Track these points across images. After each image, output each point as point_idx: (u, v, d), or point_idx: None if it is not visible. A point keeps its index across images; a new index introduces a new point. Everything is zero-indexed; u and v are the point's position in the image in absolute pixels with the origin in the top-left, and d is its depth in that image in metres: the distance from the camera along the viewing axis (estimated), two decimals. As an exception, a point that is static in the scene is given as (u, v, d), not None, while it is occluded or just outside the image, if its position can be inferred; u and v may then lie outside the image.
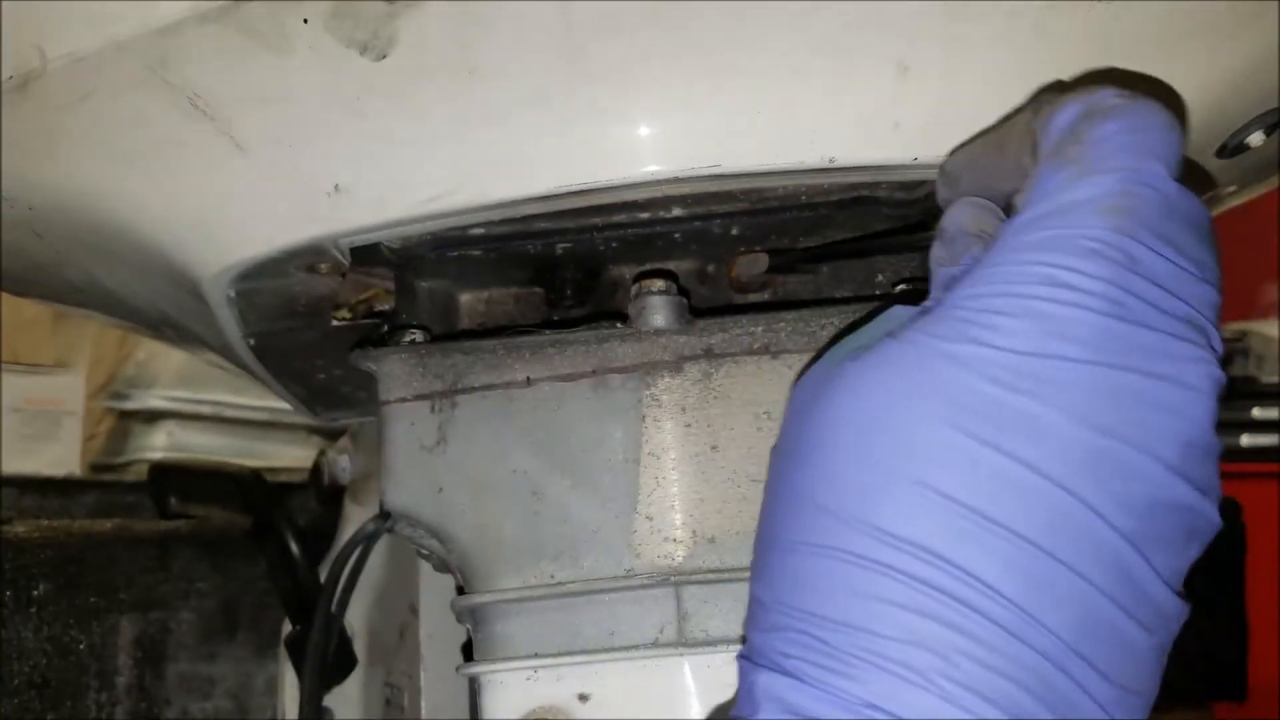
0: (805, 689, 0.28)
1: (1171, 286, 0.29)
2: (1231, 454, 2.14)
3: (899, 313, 0.32)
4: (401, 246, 0.40)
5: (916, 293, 0.42)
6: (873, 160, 0.36)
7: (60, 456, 1.28)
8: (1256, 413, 2.17)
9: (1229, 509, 1.38)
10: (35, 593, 0.52)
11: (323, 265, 0.40)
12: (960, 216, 0.34)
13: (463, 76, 0.34)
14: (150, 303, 0.48)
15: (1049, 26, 0.34)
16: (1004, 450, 0.27)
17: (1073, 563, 0.27)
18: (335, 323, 0.46)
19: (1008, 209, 0.33)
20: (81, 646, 0.54)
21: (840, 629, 0.27)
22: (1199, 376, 0.28)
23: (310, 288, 0.42)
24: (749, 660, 0.30)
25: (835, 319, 0.40)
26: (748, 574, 0.38)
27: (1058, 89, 0.34)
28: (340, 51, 0.33)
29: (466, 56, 0.34)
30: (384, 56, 0.33)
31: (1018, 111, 0.34)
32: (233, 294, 0.42)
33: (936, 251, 0.34)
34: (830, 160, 0.35)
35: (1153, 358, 0.28)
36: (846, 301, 0.42)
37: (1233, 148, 0.42)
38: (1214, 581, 1.35)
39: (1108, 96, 0.30)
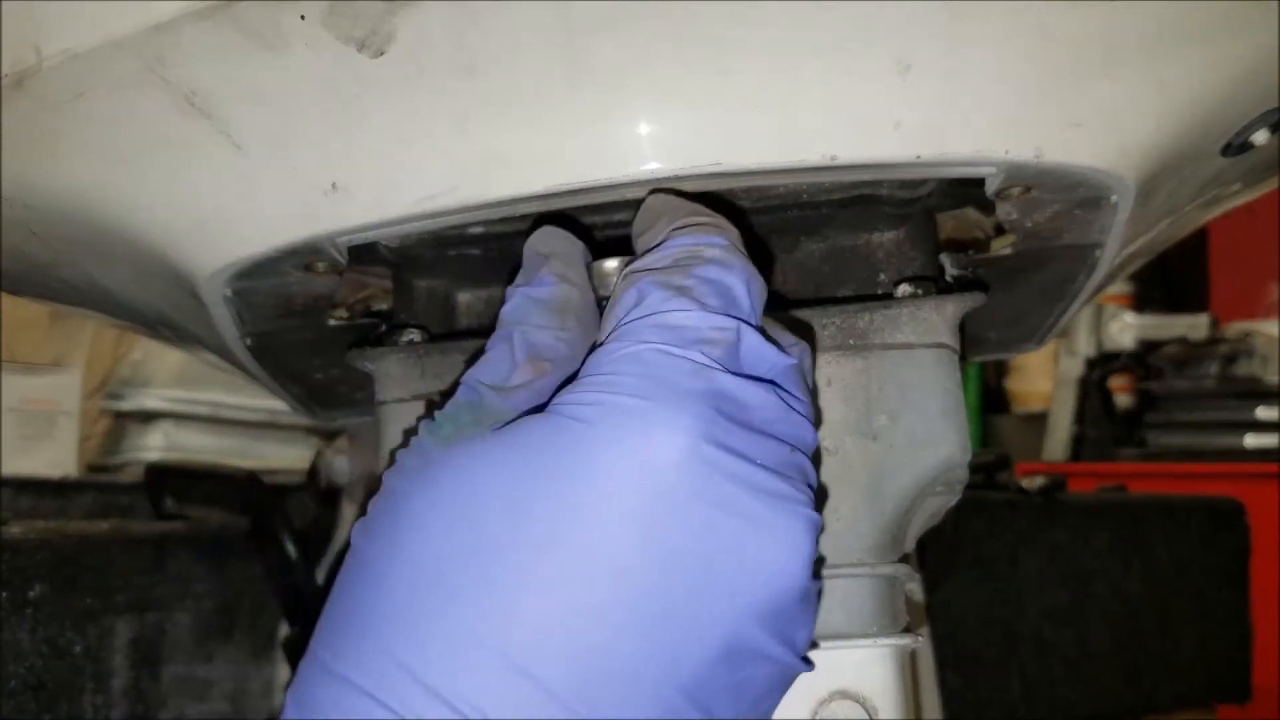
0: None
1: (767, 422, 0.29)
2: (1234, 454, 2.14)
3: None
4: (399, 245, 0.40)
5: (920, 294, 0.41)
6: (874, 158, 0.36)
7: (56, 457, 1.28)
8: (1259, 413, 2.17)
9: (1232, 510, 1.38)
10: (31, 594, 0.51)
11: (320, 264, 0.40)
12: (536, 244, 0.35)
13: (461, 74, 0.34)
14: (147, 302, 0.48)
15: (1051, 25, 0.34)
16: (555, 587, 0.26)
17: (602, 709, 0.26)
18: (332, 322, 0.46)
19: None
20: (77, 648, 0.54)
21: None
22: (793, 521, 0.28)
23: (307, 287, 0.42)
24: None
25: (836, 319, 0.39)
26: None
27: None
28: (338, 48, 0.33)
29: (465, 54, 0.33)
30: (382, 53, 0.33)
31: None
32: (229, 293, 0.41)
33: (516, 279, 0.34)
34: (831, 158, 0.35)
35: (744, 494, 0.27)
36: (847, 301, 0.42)
37: (1237, 146, 0.41)
38: (1217, 582, 1.35)
39: (715, 241, 0.31)
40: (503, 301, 0.35)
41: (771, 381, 0.30)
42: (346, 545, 0.41)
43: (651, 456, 0.27)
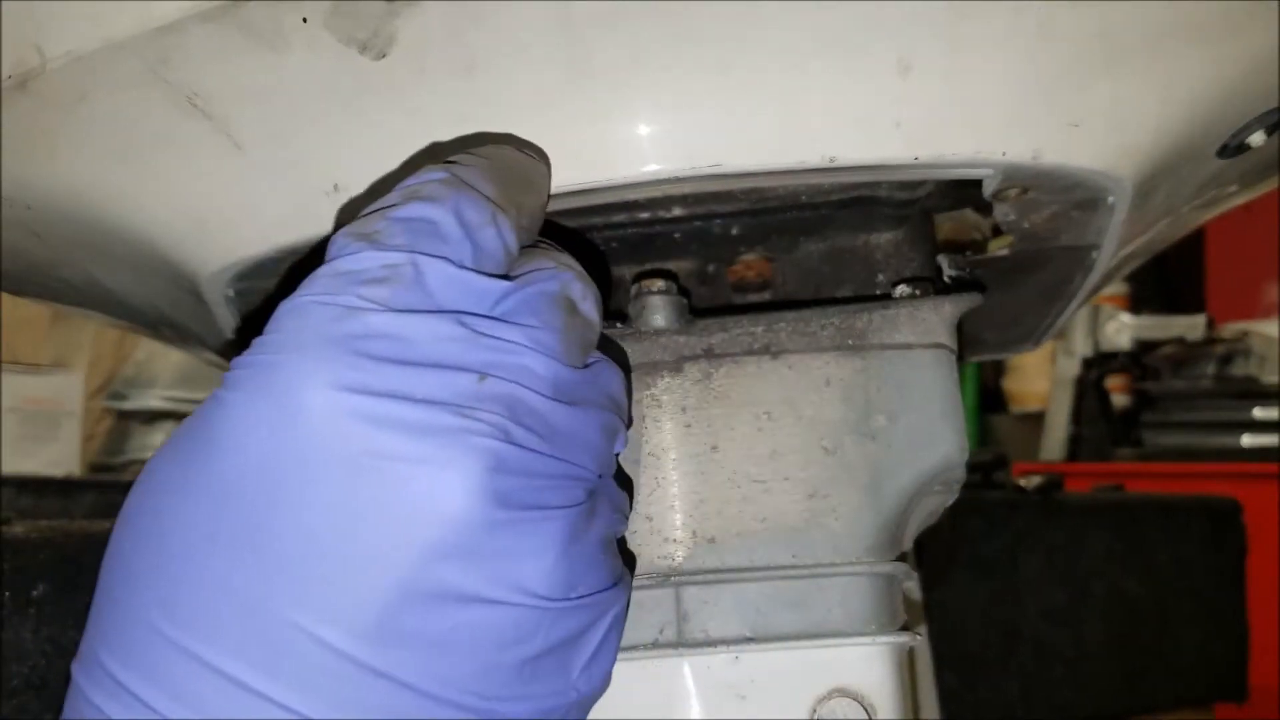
0: None
1: (438, 356, 0.27)
2: (1231, 454, 2.15)
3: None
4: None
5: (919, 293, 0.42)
6: (874, 159, 0.36)
7: (59, 456, 1.28)
8: (1257, 413, 2.17)
9: (1230, 509, 1.39)
10: (34, 593, 0.51)
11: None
12: None
13: (462, 75, 0.34)
14: (148, 302, 0.48)
15: (1052, 25, 0.34)
16: (237, 603, 0.26)
17: (273, 678, 0.26)
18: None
19: None
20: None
21: None
22: (453, 461, 0.26)
23: (309, 287, 0.42)
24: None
25: (835, 319, 0.40)
26: (748, 574, 0.38)
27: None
28: (339, 50, 0.33)
29: (466, 55, 0.33)
30: (383, 55, 0.33)
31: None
32: (231, 293, 0.42)
33: None
34: (831, 160, 0.35)
35: (396, 454, 0.26)
36: (847, 301, 0.42)
37: (1234, 148, 0.42)
38: (1214, 582, 1.35)
39: (424, 179, 0.30)
40: None
41: (480, 315, 0.28)
42: None
43: (287, 414, 0.26)
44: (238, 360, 0.28)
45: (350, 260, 0.28)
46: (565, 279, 0.31)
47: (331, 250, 0.29)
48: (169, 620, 0.27)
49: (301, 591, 0.26)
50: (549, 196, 0.34)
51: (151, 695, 0.27)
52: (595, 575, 0.30)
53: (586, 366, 0.31)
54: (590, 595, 0.30)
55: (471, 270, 0.28)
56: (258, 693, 0.26)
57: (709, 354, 0.39)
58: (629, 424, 0.34)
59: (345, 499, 0.26)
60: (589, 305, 0.31)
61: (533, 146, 0.34)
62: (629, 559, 0.37)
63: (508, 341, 0.28)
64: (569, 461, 0.29)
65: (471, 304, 0.28)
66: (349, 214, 0.37)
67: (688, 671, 0.38)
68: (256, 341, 0.28)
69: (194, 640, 0.26)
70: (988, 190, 0.38)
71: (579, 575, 0.29)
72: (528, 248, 0.32)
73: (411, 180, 0.30)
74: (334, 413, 0.26)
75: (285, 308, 0.28)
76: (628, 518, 0.34)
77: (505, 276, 0.30)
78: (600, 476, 0.31)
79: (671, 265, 0.44)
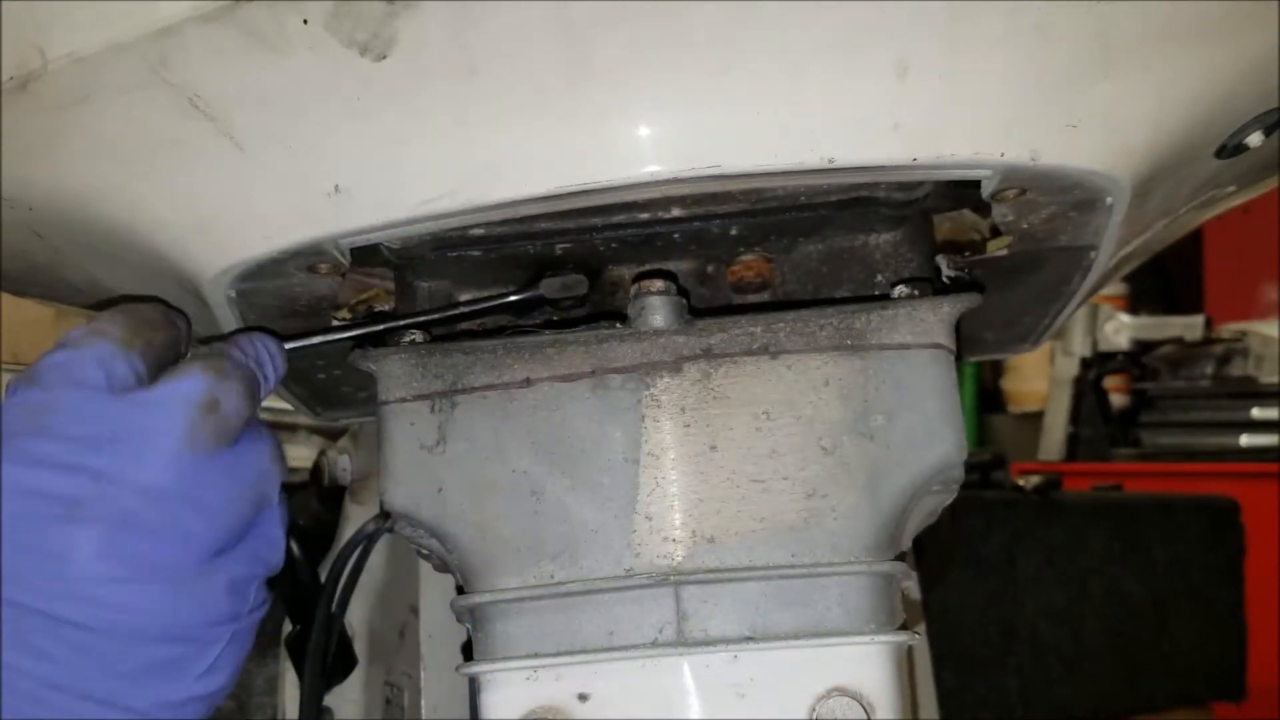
0: None
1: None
2: (1230, 454, 2.15)
3: None
4: (401, 247, 0.40)
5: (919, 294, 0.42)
6: (872, 161, 0.36)
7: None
8: (1255, 413, 2.18)
9: (1228, 509, 1.39)
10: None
11: (322, 265, 0.40)
12: None
13: (463, 77, 0.34)
14: (150, 303, 0.48)
15: (1049, 27, 0.34)
16: None
17: None
18: (335, 323, 0.46)
19: None
20: (81, 646, 0.54)
21: None
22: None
23: (310, 288, 0.42)
24: None
25: (834, 319, 0.40)
26: (747, 574, 0.38)
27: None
28: (340, 52, 0.33)
29: (466, 57, 0.34)
30: (384, 57, 0.33)
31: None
32: (233, 294, 0.42)
33: None
34: (830, 161, 0.35)
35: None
36: (846, 301, 0.42)
37: (1231, 148, 0.42)
38: (1213, 581, 1.35)
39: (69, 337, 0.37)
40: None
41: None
42: (349, 544, 0.42)
43: None
44: None
45: (21, 396, 0.37)
46: (192, 386, 0.37)
47: (10, 388, 0.38)
48: None
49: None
50: (187, 329, 0.41)
51: None
52: (208, 607, 0.37)
53: (232, 446, 0.38)
54: (204, 623, 0.37)
55: (101, 392, 0.36)
56: None
57: (708, 354, 0.39)
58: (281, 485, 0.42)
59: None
60: (230, 400, 0.38)
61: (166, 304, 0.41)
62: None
63: (124, 444, 0.35)
64: (179, 528, 0.36)
65: (100, 423, 0.36)
66: (351, 215, 0.37)
67: (687, 670, 0.38)
68: None
69: None
70: (986, 191, 0.38)
71: (188, 608, 0.37)
72: (193, 358, 0.39)
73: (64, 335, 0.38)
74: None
75: None
76: (273, 566, 0.41)
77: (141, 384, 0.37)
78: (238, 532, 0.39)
79: (671, 266, 0.44)
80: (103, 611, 0.35)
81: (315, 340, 0.43)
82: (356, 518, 0.72)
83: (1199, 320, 2.42)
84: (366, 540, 0.42)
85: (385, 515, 0.41)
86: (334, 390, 0.55)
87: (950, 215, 0.45)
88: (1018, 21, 0.34)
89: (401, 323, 0.43)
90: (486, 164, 0.36)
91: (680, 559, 0.38)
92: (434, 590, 0.64)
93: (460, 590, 0.41)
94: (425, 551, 0.43)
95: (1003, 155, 0.36)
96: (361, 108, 0.35)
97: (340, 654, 0.66)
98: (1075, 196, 0.39)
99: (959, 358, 0.41)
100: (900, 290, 0.42)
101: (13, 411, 0.36)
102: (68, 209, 0.40)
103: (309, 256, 0.39)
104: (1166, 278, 2.70)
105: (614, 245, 0.42)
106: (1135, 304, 2.56)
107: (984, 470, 1.22)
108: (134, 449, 0.36)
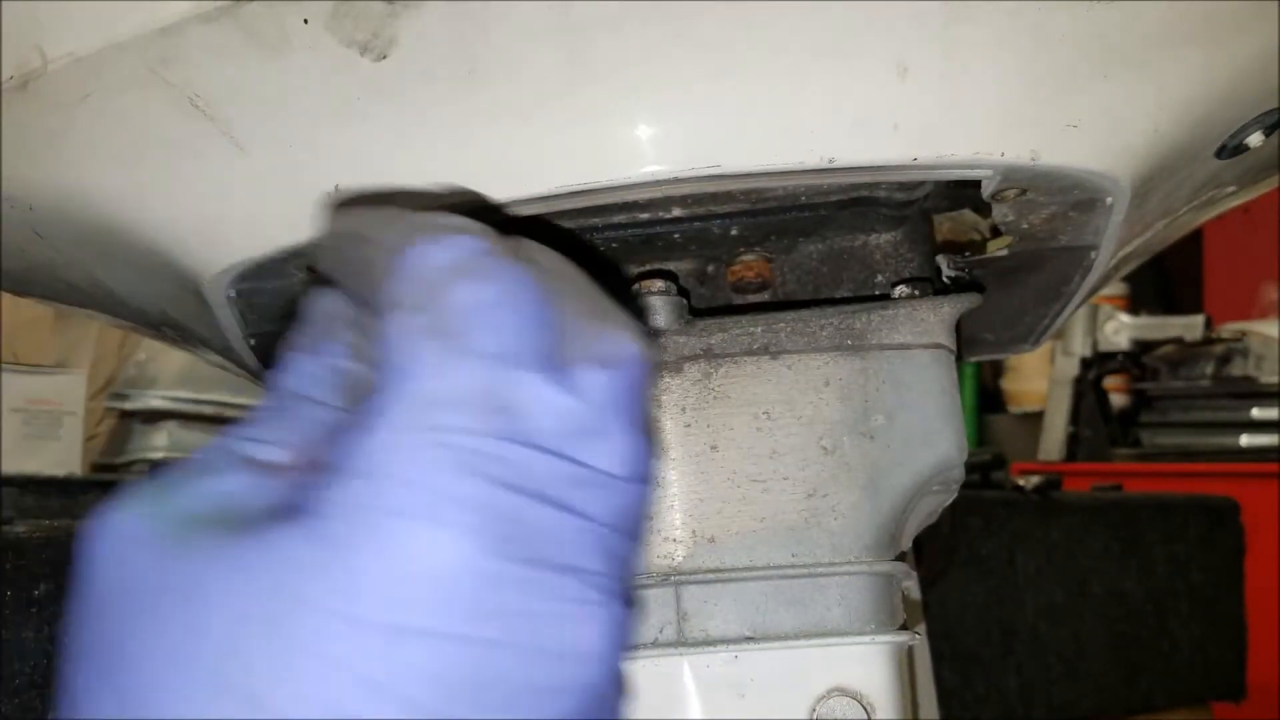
0: None
1: (566, 499, 0.25)
2: (1230, 454, 2.15)
3: (254, 485, 0.27)
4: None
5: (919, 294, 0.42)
6: (872, 161, 0.36)
7: (61, 456, 1.28)
8: (1256, 413, 2.18)
9: (1228, 509, 1.39)
10: (36, 592, 0.51)
11: (323, 265, 0.40)
12: (333, 303, 0.30)
13: (463, 77, 0.34)
14: (150, 303, 0.48)
15: (1048, 27, 0.34)
16: None
17: None
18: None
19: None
20: (82, 647, 0.54)
21: None
22: (591, 626, 0.25)
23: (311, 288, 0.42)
24: None
25: (834, 319, 0.40)
26: (748, 574, 0.38)
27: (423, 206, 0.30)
28: (341, 52, 0.33)
29: (467, 57, 0.34)
30: (384, 57, 0.33)
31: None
32: (233, 294, 0.42)
33: (295, 339, 0.30)
34: (830, 161, 0.35)
35: (534, 608, 0.24)
36: (846, 301, 0.42)
37: (1232, 148, 0.42)
38: (1212, 581, 1.35)
39: (468, 248, 0.26)
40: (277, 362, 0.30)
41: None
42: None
43: (414, 584, 0.23)
44: (334, 505, 0.24)
45: (444, 385, 0.25)
46: (635, 374, 0.27)
47: (397, 352, 0.25)
48: None
49: None
50: None
51: None
52: None
53: None
54: None
55: (552, 379, 0.25)
56: None
57: (708, 354, 0.39)
58: None
59: (477, 670, 0.24)
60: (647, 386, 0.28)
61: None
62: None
63: (607, 476, 0.26)
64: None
65: (564, 423, 0.25)
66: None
67: (687, 670, 0.38)
68: (351, 484, 0.24)
69: None
70: (986, 191, 0.38)
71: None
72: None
73: (436, 253, 0.26)
74: (471, 581, 0.24)
75: (383, 447, 0.24)
76: None
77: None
78: None
79: (671, 266, 0.44)
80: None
81: None
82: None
83: (1199, 320, 2.42)
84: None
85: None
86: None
87: (950, 215, 0.45)
88: (1017, 22, 0.34)
89: None
90: (486, 164, 0.36)
91: (680, 559, 0.38)
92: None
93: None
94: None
95: (1003, 155, 0.36)
96: (361, 108, 0.35)
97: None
98: (1075, 196, 0.39)
99: (959, 358, 0.41)
100: (900, 290, 0.42)
101: (443, 419, 0.25)
102: (67, 208, 0.40)
103: (309, 257, 0.39)
104: (1167, 278, 2.70)
105: (614, 245, 0.42)
106: (1135, 304, 2.56)
107: (984, 470, 1.22)
108: (619, 499, 0.26)
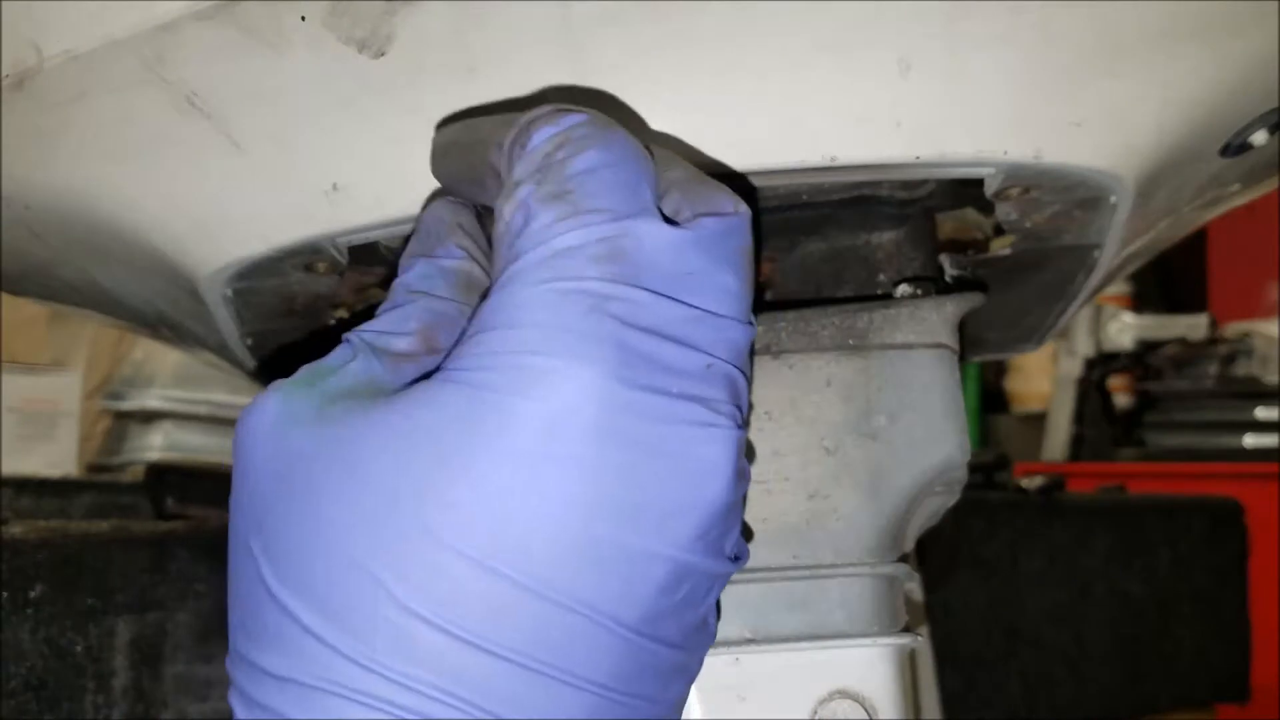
0: None
1: (684, 334, 0.27)
2: (1233, 454, 2.15)
3: (378, 359, 0.29)
4: (400, 245, 0.40)
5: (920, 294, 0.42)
6: (874, 159, 0.36)
7: (57, 457, 1.28)
8: (1259, 413, 2.17)
9: (1231, 510, 1.38)
10: (32, 594, 0.51)
11: (320, 264, 0.40)
12: (442, 212, 0.33)
13: (462, 74, 0.34)
14: (147, 302, 0.48)
15: (1051, 25, 0.34)
16: (501, 571, 0.26)
17: (567, 671, 0.26)
18: (333, 322, 0.46)
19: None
20: (78, 648, 0.54)
21: None
22: (715, 446, 0.27)
23: (308, 287, 0.42)
24: None
25: (836, 319, 0.39)
26: (749, 575, 0.38)
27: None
28: (338, 49, 0.33)
29: (465, 54, 0.33)
30: (382, 54, 0.33)
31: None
32: (230, 293, 0.41)
33: (410, 247, 0.33)
34: (832, 159, 0.35)
35: (663, 429, 0.27)
36: (848, 301, 0.42)
37: (1236, 147, 0.42)
38: (1216, 582, 1.35)
39: (577, 120, 0.29)
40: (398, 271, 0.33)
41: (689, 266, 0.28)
42: None
43: (561, 415, 0.26)
44: (474, 358, 0.27)
45: (569, 237, 0.27)
46: (738, 225, 0.29)
47: (519, 213, 0.28)
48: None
49: (583, 575, 0.26)
50: None
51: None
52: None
53: None
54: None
55: (665, 226, 0.28)
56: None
57: (709, 354, 0.39)
58: None
59: (620, 489, 0.26)
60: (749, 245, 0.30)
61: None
62: None
63: (717, 316, 0.28)
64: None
65: (676, 266, 0.28)
66: (349, 213, 0.37)
67: (688, 673, 0.38)
68: (486, 337, 0.27)
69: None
70: (989, 189, 0.38)
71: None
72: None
73: (548, 128, 0.29)
74: (609, 410, 0.26)
75: (515, 300, 0.27)
76: None
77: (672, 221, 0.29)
78: None
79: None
80: None
81: None
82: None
83: (1203, 320, 2.41)
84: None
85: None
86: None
87: (953, 214, 0.44)
88: (1019, 19, 0.34)
89: None
90: (485, 162, 0.36)
91: (681, 560, 0.38)
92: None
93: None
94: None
95: (1006, 153, 0.36)
96: (359, 105, 0.35)
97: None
98: (1079, 195, 0.39)
99: (962, 357, 0.41)
100: (903, 289, 0.41)
101: (574, 270, 0.27)
102: (64, 207, 0.40)
103: (306, 255, 0.39)
104: (1170, 277, 2.70)
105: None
106: (1139, 303, 2.55)
107: (987, 471, 1.22)
108: (723, 334, 0.29)
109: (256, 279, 0.41)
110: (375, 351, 0.30)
